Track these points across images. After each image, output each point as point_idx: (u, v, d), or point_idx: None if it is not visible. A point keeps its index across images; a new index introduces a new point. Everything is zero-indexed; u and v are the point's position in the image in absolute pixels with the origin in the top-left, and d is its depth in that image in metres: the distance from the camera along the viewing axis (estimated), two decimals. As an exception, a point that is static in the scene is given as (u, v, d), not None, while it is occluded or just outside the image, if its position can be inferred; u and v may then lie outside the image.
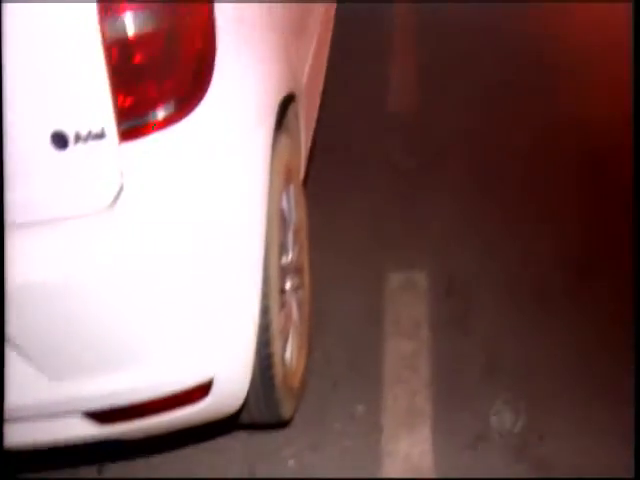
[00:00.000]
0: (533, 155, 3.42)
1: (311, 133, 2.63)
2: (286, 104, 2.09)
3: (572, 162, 3.39)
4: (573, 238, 2.99)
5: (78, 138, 1.47)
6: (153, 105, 1.53)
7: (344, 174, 3.31)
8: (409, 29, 4.48)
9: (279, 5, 2.09)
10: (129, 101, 1.51)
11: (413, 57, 4.16)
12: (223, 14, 1.62)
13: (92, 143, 1.48)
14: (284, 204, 2.16)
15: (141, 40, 1.48)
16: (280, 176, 2.04)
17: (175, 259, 1.63)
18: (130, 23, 1.46)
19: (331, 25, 3.23)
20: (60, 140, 1.46)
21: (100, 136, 1.48)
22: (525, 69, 4.02)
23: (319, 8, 2.89)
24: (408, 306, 2.77)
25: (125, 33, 1.46)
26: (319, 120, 2.87)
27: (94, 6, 1.42)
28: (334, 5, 3.37)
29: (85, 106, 1.48)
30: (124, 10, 1.45)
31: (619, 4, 4.10)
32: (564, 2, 4.62)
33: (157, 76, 1.53)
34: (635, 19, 2.81)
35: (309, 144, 2.60)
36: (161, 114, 1.54)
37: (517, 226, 3.06)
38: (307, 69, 2.51)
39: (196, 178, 1.63)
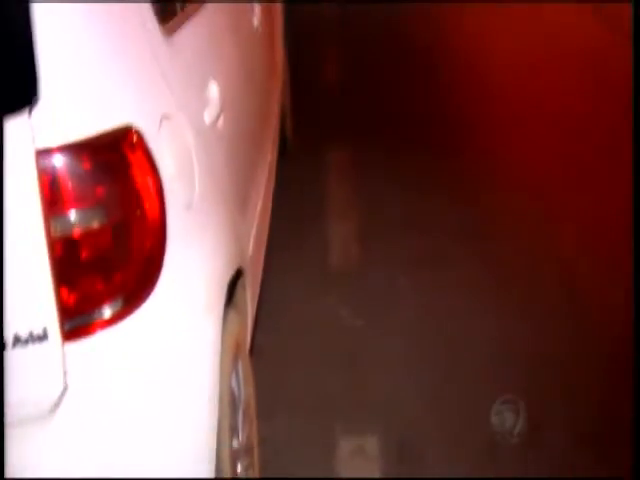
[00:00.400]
0: (485, 313, 3.40)
1: (256, 301, 2.58)
2: (234, 280, 2.04)
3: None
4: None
5: (17, 341, 1.37)
6: (99, 302, 1.45)
7: (288, 337, 3.23)
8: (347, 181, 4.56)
9: (225, 181, 2.07)
10: (74, 299, 1.42)
11: (352, 212, 4.19)
12: (173, 203, 1.57)
13: (33, 346, 1.38)
14: (234, 383, 2.08)
15: (88, 236, 1.42)
16: (230, 354, 1.96)
17: (124, 459, 1.52)
18: (77, 220, 1.40)
19: (272, 185, 3.24)
20: (-3, 345, 1.36)
21: (42, 338, 1.39)
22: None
23: (263, 171, 2.90)
24: (360, 474, 2.67)
25: (71, 230, 1.40)
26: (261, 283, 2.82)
27: (38, 203, 1.35)
28: (274, 163, 3.39)
29: (26, 306, 1.39)
30: (70, 207, 1.39)
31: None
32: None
33: (104, 272, 1.45)
34: (635, 19, 2.87)
35: (254, 312, 2.54)
36: (108, 312, 1.46)
37: (465, 384, 3.00)
38: (252, 239, 2.48)
39: (144, 372, 1.54)
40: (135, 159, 1.48)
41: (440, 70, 6.34)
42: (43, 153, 1.35)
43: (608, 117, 5.20)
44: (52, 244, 1.38)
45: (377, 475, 2.67)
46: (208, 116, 1.92)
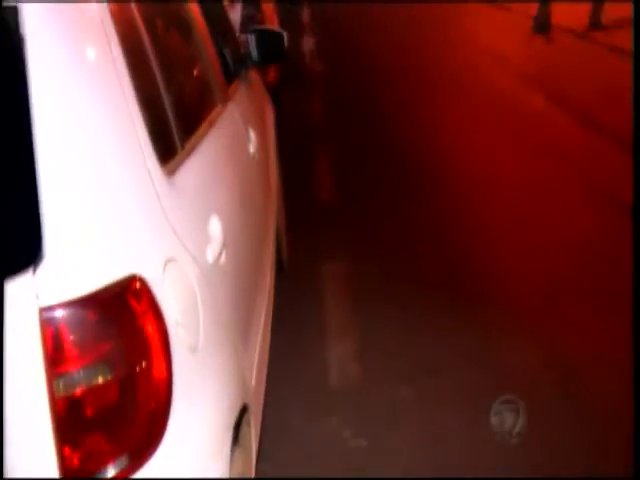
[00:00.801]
0: (487, 425, 3.32)
1: (259, 432, 2.50)
2: (239, 417, 1.98)
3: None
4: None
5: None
6: (104, 462, 1.39)
7: (291, 464, 3.12)
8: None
9: (229, 317, 2.03)
10: (77, 459, 1.36)
11: (351, 329, 4.14)
12: (178, 349, 1.53)
13: None
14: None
15: (92, 393, 1.37)
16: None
17: None
18: (81, 378, 1.35)
19: (271, 309, 3.19)
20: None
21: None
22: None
23: (262, 298, 2.85)
24: None
25: (75, 389, 1.35)
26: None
27: (41, 362, 1.31)
28: (273, 287, 3.35)
29: (27, 469, 1.33)
30: (74, 365, 1.35)
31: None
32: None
33: (109, 429, 1.40)
34: (635, 20, 2.88)
35: (258, 445, 2.46)
36: (112, 471, 1.39)
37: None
38: (255, 369, 2.41)
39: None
40: (140, 309, 1.44)
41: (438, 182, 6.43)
42: (46, 310, 1.32)
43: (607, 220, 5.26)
44: (55, 403, 1.33)
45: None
46: (211, 254, 1.90)
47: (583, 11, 13.84)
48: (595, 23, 13.39)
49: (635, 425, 2.08)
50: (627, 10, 12.16)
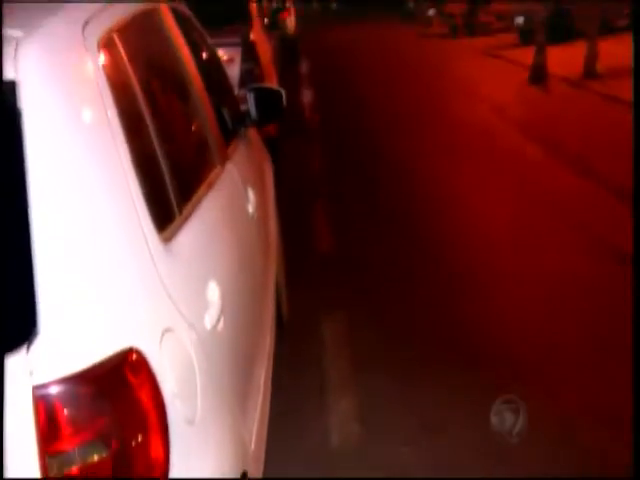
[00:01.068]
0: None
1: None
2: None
3: None
4: None
5: None
6: None
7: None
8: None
9: (227, 386, 1.99)
10: None
11: (351, 387, 4.09)
12: (175, 421, 1.50)
13: None
14: None
15: (86, 471, 1.33)
16: None
17: None
18: (75, 457, 1.32)
19: (270, 373, 3.12)
20: None
21: None
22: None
23: (262, 363, 2.79)
24: None
25: (69, 468, 1.31)
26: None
27: (34, 442, 1.28)
28: (272, 351, 3.30)
29: None
30: (68, 444, 1.31)
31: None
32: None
33: None
34: (635, 22, 2.87)
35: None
36: None
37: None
38: (254, 435, 2.35)
39: None
40: (136, 382, 1.42)
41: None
42: (40, 387, 1.29)
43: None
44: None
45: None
46: (209, 320, 1.87)
47: (578, 56, 13.97)
48: (590, 72, 13.52)
49: (635, 425, 2.05)
50: (619, 59, 12.29)
